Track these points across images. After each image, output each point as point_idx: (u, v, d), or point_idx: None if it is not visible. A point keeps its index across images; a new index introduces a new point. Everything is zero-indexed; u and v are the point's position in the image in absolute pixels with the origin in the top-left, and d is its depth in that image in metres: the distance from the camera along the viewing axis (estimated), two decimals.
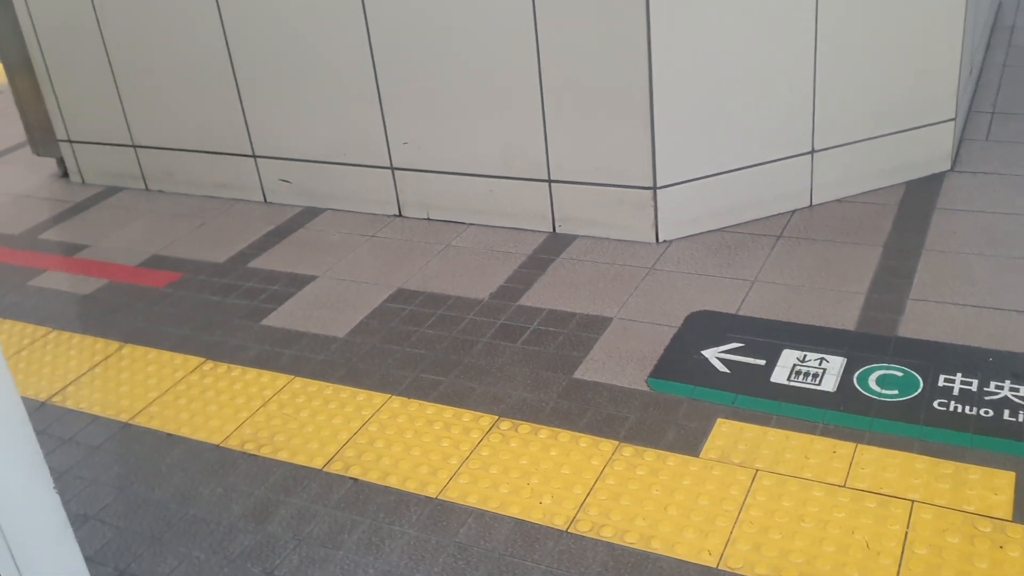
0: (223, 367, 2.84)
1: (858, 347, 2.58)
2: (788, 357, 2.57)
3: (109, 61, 3.94)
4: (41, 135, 4.37)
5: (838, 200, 3.34)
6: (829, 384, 2.45)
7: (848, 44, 3.12)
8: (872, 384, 2.44)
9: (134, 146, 4.10)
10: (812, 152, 3.25)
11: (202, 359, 2.89)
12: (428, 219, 3.57)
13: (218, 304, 3.19)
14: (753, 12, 3.00)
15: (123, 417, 2.66)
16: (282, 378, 2.75)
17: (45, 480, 1.64)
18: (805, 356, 2.56)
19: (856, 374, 2.47)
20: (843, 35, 3.10)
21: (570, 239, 3.30)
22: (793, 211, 3.31)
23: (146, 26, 3.78)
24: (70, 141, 4.26)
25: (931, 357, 2.51)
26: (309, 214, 3.78)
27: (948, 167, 3.44)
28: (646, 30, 2.91)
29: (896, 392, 2.39)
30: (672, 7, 2.90)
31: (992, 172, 3.41)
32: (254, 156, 3.84)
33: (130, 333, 3.07)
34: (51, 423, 2.66)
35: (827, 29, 3.07)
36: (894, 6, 3.12)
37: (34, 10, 3.99)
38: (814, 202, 3.33)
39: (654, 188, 3.13)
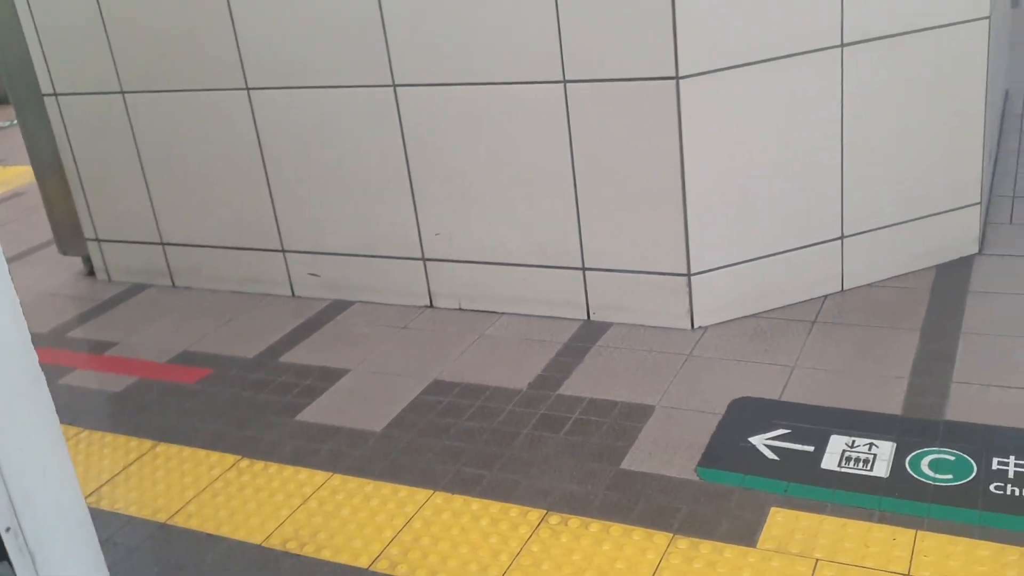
0: (260, 464, 2.80)
1: (906, 432, 2.55)
2: (837, 443, 2.54)
3: (140, 162, 4.00)
4: (68, 234, 4.40)
5: (869, 285, 3.35)
6: (881, 470, 2.41)
7: (873, 132, 3.18)
8: (925, 469, 2.40)
9: (162, 243, 4.13)
10: (842, 237, 3.27)
11: (238, 456, 2.85)
12: (460, 309, 3.58)
13: (251, 400, 3.17)
14: (781, 103, 3.06)
15: (160, 517, 2.61)
16: (320, 475, 2.71)
17: None
18: (854, 442, 2.53)
19: (908, 459, 2.44)
20: (867, 124, 3.16)
21: (605, 327, 3.30)
22: (825, 296, 3.31)
23: (178, 126, 3.85)
24: (98, 240, 4.30)
25: (982, 440, 2.48)
26: (338, 307, 3.78)
27: (976, 250, 3.46)
28: (677, 122, 2.96)
29: (950, 476, 2.36)
30: (701, 99, 2.96)
31: (1021, 255, 3.43)
32: (283, 251, 3.87)
33: (163, 431, 3.04)
34: None
35: (852, 117, 3.13)
36: (916, 94, 3.18)
37: (67, 114, 4.07)
38: (845, 287, 3.33)
39: (688, 275, 3.14)
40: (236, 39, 3.57)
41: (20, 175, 6.41)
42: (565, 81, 3.06)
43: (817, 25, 3.00)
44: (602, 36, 2.97)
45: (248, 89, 3.64)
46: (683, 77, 2.92)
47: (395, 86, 3.34)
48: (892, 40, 3.08)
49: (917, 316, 3.12)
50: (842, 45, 3.03)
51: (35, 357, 1.34)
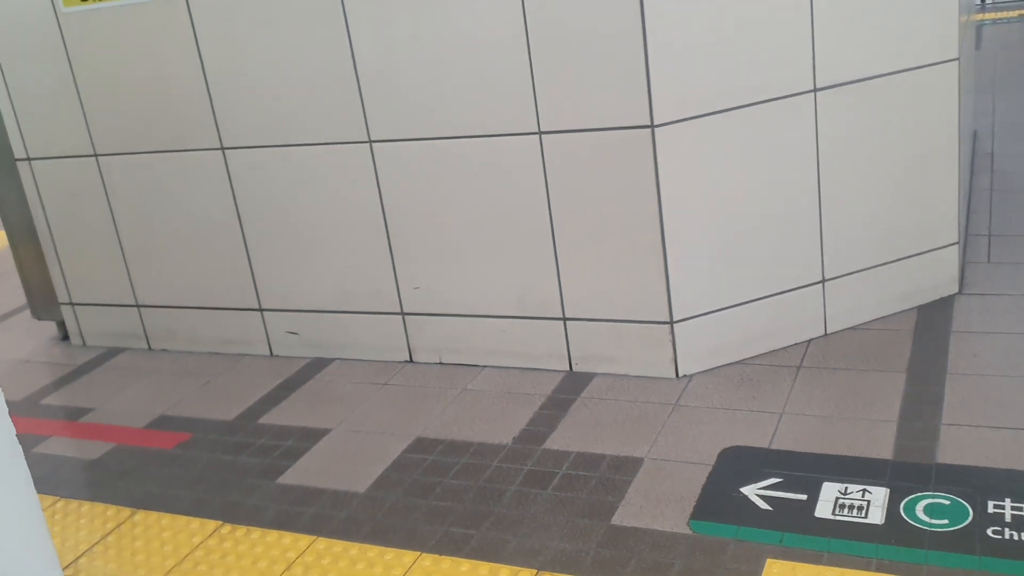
0: (242, 530, 2.72)
1: (899, 476, 2.52)
2: (829, 490, 2.50)
3: (114, 224, 3.96)
4: (42, 299, 4.33)
5: (852, 328, 3.34)
6: (876, 516, 2.37)
7: (848, 175, 3.19)
8: (920, 514, 2.36)
9: (137, 306, 4.08)
10: (823, 281, 3.27)
11: (219, 522, 2.77)
12: (441, 363, 3.53)
13: (231, 463, 3.10)
14: (757, 148, 3.07)
15: None
16: (304, 539, 2.64)
17: None
18: (847, 488, 2.50)
19: (902, 504, 2.40)
20: (843, 167, 3.18)
21: (589, 377, 3.26)
22: (809, 340, 3.30)
23: (152, 187, 3.82)
24: (72, 304, 4.23)
25: (975, 483, 2.45)
26: (317, 365, 3.73)
27: (956, 290, 3.47)
28: (653, 170, 2.96)
29: (946, 521, 2.32)
30: (677, 147, 2.97)
31: (1001, 293, 3.44)
32: (260, 310, 3.82)
33: (142, 498, 2.96)
34: None
35: (827, 161, 3.15)
36: (890, 137, 3.21)
37: (40, 178, 4.03)
38: (829, 330, 3.32)
39: (671, 322, 3.12)
40: (210, 99, 3.55)
41: None
42: (540, 132, 3.06)
43: (789, 71, 3.03)
44: (576, 87, 2.98)
45: (223, 149, 3.62)
46: (658, 125, 2.93)
47: (371, 142, 3.33)
48: (864, 84, 3.11)
49: (902, 358, 3.11)
50: (815, 90, 3.06)
51: (12, 429, 1.28)
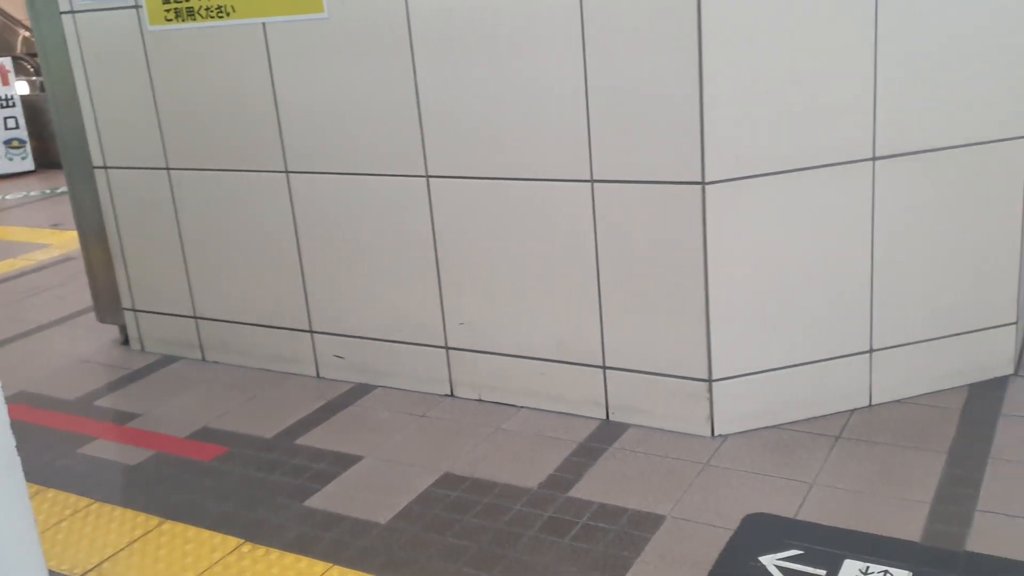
0: (261, 550, 2.77)
1: (924, 561, 2.44)
2: (850, 568, 2.43)
3: (180, 236, 4.09)
4: (107, 303, 4.49)
5: (898, 401, 3.26)
6: None
7: (904, 246, 3.13)
8: None
9: (195, 317, 4.19)
10: (871, 351, 3.20)
11: (240, 540, 2.83)
12: (480, 400, 3.55)
13: (262, 481, 3.16)
14: (809, 213, 3.03)
15: None
16: (319, 565, 2.67)
17: None
18: (868, 568, 2.43)
19: None
20: (899, 238, 3.12)
21: (623, 428, 3.24)
22: (852, 410, 3.22)
23: (218, 204, 3.94)
24: (134, 310, 4.38)
25: None
26: (360, 391, 3.78)
27: (1012, 371, 3.36)
28: (702, 227, 2.95)
29: None
30: (728, 206, 2.95)
31: None
32: (311, 331, 3.90)
33: (171, 508, 3.04)
34: None
35: (883, 230, 3.09)
36: (949, 210, 3.14)
37: (114, 186, 4.19)
38: (873, 402, 3.25)
39: (709, 380, 3.09)
40: (279, 123, 3.66)
41: (74, 239, 6.57)
42: (593, 180, 3.08)
43: (848, 138, 2.99)
44: (631, 139, 2.99)
45: (287, 172, 3.72)
46: (709, 183, 2.92)
47: (428, 177, 3.39)
48: (927, 155, 3.05)
49: (945, 437, 3.02)
50: (874, 159, 3.01)
51: (12, 442, 1.34)
